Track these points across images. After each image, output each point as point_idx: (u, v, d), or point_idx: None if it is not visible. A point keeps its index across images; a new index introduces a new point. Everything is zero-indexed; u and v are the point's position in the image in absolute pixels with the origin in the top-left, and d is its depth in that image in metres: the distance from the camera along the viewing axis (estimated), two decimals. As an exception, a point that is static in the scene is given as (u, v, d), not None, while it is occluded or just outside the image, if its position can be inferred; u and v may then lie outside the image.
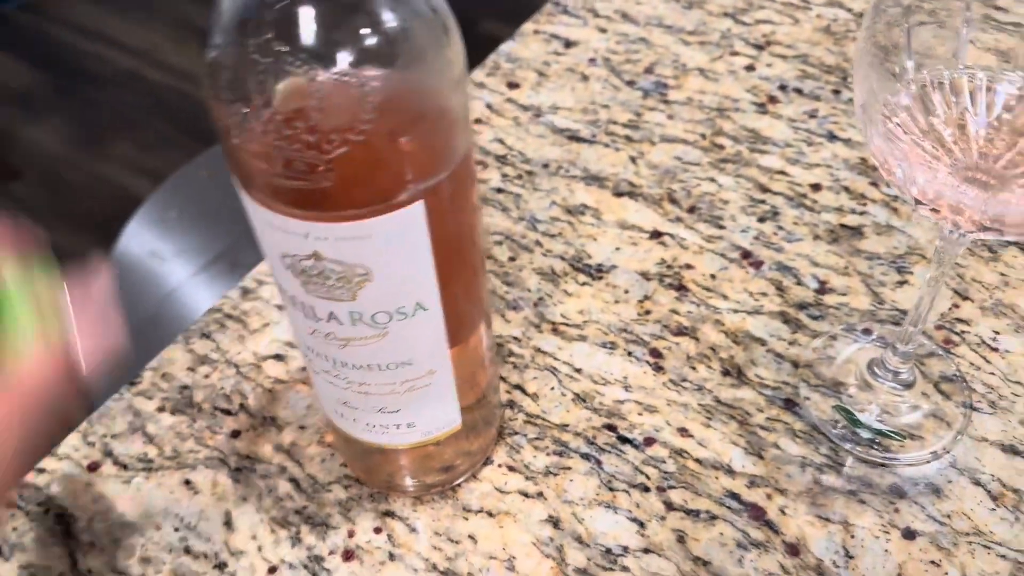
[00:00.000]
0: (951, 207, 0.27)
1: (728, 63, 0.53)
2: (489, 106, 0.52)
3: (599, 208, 0.46)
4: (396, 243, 0.25)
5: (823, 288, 0.42)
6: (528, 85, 0.53)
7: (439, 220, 0.26)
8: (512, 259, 0.44)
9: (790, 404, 0.38)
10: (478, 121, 0.51)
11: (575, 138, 0.50)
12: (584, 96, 0.52)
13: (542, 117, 0.51)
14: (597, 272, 0.44)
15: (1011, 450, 0.36)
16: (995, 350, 0.39)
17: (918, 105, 0.30)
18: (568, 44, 0.55)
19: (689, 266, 0.43)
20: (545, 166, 0.49)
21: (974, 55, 0.31)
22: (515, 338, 0.41)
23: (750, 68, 0.52)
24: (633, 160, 0.49)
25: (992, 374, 0.38)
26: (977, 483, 0.35)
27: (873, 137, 0.28)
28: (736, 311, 0.41)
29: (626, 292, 0.43)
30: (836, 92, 0.51)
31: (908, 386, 0.38)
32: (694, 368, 0.39)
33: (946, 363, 0.39)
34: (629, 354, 0.40)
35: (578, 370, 0.40)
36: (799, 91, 0.51)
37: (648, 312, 0.42)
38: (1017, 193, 0.28)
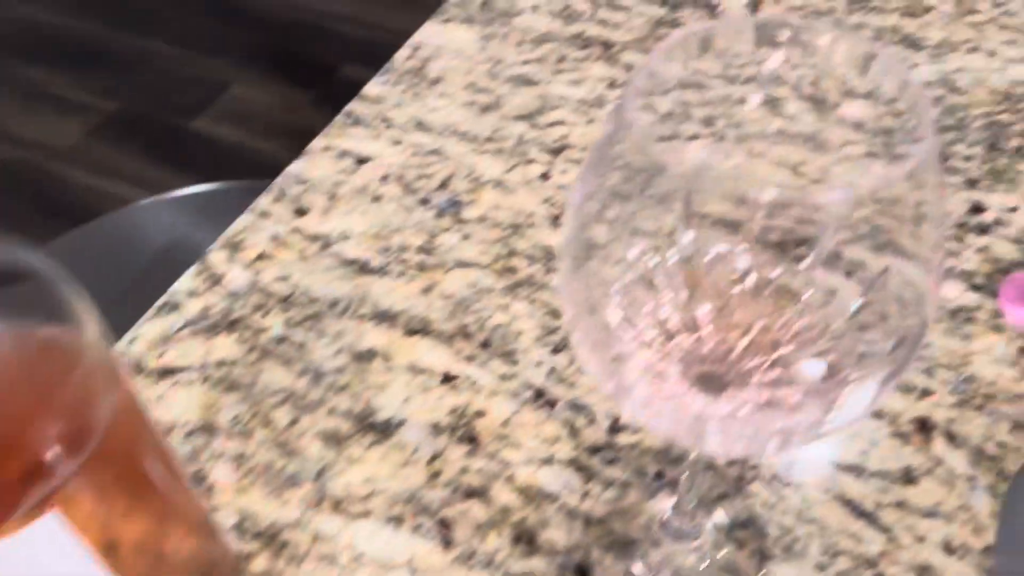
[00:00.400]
0: (680, 428, 0.25)
1: (523, 172, 0.51)
2: (274, 238, 0.49)
3: (389, 351, 0.44)
4: (32, 558, 0.21)
5: (616, 426, 0.40)
6: (317, 211, 0.50)
7: (91, 511, 0.22)
8: (293, 423, 0.41)
9: (583, 571, 0.36)
10: (260, 257, 0.48)
11: (365, 269, 0.47)
12: (376, 219, 0.49)
13: (331, 247, 0.48)
14: (385, 430, 0.41)
15: (804, 600, 0.35)
16: (788, 484, 0.38)
17: (641, 292, 0.28)
18: (360, 160, 0.53)
19: (481, 413, 0.41)
20: (333, 305, 0.46)
21: (700, 223, 0.29)
22: (292, 523, 0.38)
23: (545, 176, 0.51)
24: (425, 291, 0.46)
25: (786, 513, 0.37)
26: (771, 644, 0.34)
27: (584, 343, 0.26)
28: (528, 463, 0.39)
29: (415, 452, 0.40)
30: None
31: (698, 538, 0.36)
32: (484, 538, 0.37)
33: (738, 506, 0.37)
34: (416, 528, 0.37)
35: (361, 555, 0.37)
36: (596, 197, 0.49)
37: (438, 474, 0.39)
38: (755, 392, 0.26)
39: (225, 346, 0.44)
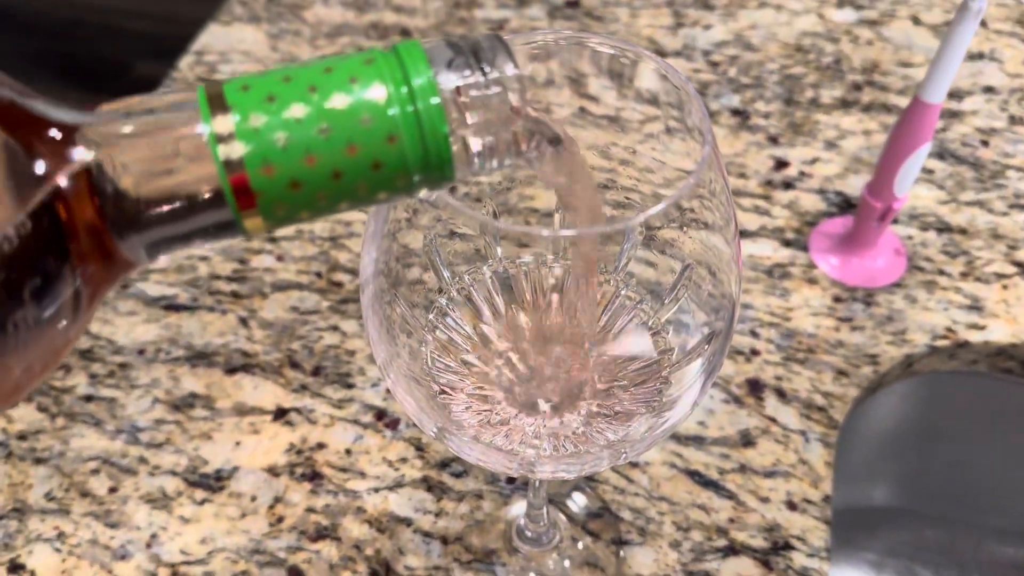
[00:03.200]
0: (519, 456, 0.24)
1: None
2: (66, 287, 0.44)
3: (211, 395, 0.41)
4: None
5: (463, 437, 0.39)
6: (111, 249, 0.46)
7: None
8: (113, 490, 0.38)
9: (445, 594, 0.35)
10: (54, 310, 0.43)
11: (173, 307, 0.44)
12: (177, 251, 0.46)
13: (130, 288, 0.44)
14: (217, 482, 0.38)
15: (665, 582, 0.35)
16: (635, 465, 0.38)
17: (459, 313, 0.27)
18: (152, 186, 0.48)
19: (321, 445, 0.39)
20: (141, 352, 0.42)
21: (512, 250, 0.28)
22: (126, 602, 0.35)
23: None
24: (244, 322, 0.43)
25: (637, 495, 0.37)
26: (638, 632, 0.34)
27: (399, 382, 0.24)
28: (377, 490, 0.38)
29: (253, 499, 0.37)
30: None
31: (553, 539, 0.36)
32: (338, 579, 0.35)
33: (590, 496, 0.37)
34: (264, 581, 0.35)
35: (206, 623, 0.34)
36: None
37: (281, 519, 0.37)
38: (586, 404, 0.26)
39: (25, 415, 0.40)
